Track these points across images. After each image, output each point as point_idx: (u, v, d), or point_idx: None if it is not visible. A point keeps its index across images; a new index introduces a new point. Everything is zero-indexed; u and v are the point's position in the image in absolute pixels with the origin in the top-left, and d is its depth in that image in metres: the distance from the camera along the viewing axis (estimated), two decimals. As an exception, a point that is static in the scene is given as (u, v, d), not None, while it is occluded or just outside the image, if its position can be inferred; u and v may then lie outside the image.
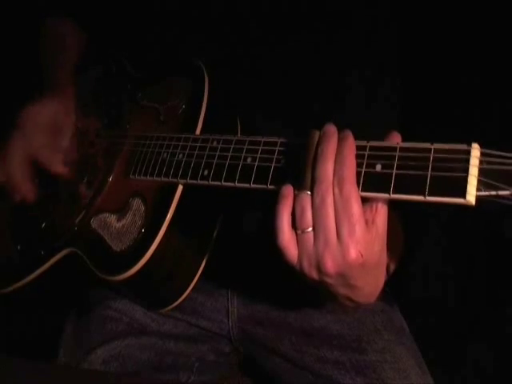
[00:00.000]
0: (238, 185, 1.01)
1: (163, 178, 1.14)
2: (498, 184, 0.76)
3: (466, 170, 0.78)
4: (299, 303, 1.36)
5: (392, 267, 1.13)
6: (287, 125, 1.28)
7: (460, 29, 1.50)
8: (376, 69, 1.31)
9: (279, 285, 1.34)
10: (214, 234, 1.21)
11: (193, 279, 1.19)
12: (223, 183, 1.03)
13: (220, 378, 1.44)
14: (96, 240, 1.22)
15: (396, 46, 1.33)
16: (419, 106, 1.44)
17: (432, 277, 1.64)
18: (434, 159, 0.81)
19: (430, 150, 0.82)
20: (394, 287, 1.41)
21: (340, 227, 0.85)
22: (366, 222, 0.86)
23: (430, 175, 0.81)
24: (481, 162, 0.78)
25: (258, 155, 1.00)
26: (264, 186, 0.97)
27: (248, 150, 1.02)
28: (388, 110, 1.32)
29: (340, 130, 0.90)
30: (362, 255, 0.85)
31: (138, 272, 1.11)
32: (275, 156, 0.98)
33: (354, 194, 0.84)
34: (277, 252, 0.90)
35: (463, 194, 0.77)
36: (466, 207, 0.79)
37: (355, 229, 0.84)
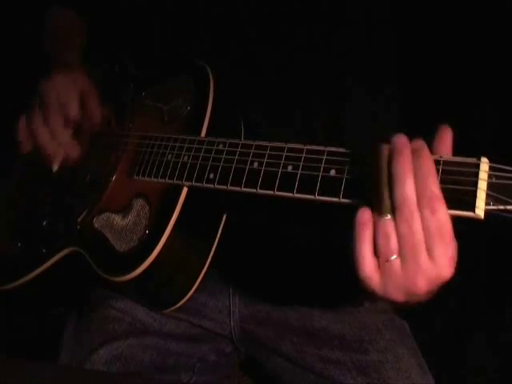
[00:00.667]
0: (244, 189, 1.00)
1: (168, 180, 1.13)
2: (506, 199, 0.76)
3: (475, 184, 0.78)
4: (301, 303, 1.37)
5: None
6: (288, 124, 1.28)
7: (460, 30, 1.50)
8: (376, 69, 1.31)
9: (281, 285, 1.35)
10: (218, 236, 1.20)
11: (196, 280, 1.19)
12: (229, 187, 1.03)
13: (221, 378, 1.45)
14: (99, 239, 1.22)
15: (396, 46, 1.33)
16: (419, 106, 1.44)
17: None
18: (443, 171, 0.81)
19: (440, 162, 0.82)
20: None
21: (433, 248, 0.79)
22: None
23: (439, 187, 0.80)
24: (490, 176, 0.78)
25: (265, 160, 0.99)
26: (271, 192, 0.97)
27: (254, 155, 1.01)
28: (388, 109, 1.32)
29: (411, 139, 0.83)
30: (454, 269, 0.81)
31: (142, 273, 1.11)
32: (282, 161, 0.97)
33: (445, 213, 0.79)
34: (352, 279, 0.85)
35: (472, 208, 0.78)
36: (475, 220, 0.79)
37: (451, 247, 0.80)
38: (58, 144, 1.27)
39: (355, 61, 1.30)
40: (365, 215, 0.82)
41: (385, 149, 0.82)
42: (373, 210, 0.82)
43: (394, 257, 0.81)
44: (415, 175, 0.79)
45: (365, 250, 0.82)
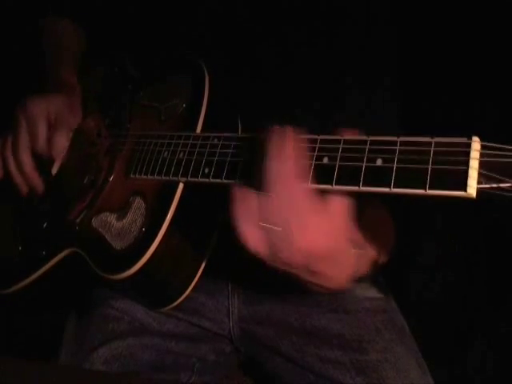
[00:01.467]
0: (238, 182, 1.01)
1: (164, 177, 1.14)
2: (498, 176, 0.76)
3: (467, 163, 0.78)
4: (300, 303, 1.37)
5: (380, 258, 1.13)
6: (287, 123, 1.28)
7: (459, 27, 1.50)
8: (375, 68, 1.32)
9: (280, 284, 1.34)
10: (215, 233, 1.21)
11: (194, 278, 1.19)
12: (224, 181, 1.03)
13: (220, 378, 1.44)
14: (97, 239, 1.22)
15: (395, 44, 1.34)
16: (419, 104, 1.44)
17: (432, 277, 1.64)
18: (435, 153, 0.81)
19: (431, 143, 0.82)
20: (394, 287, 1.41)
21: (290, 221, 0.87)
22: (320, 210, 0.89)
23: (431, 169, 0.80)
24: (481, 155, 0.78)
25: None
26: None
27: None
28: (388, 110, 1.33)
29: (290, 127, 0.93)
30: (314, 244, 0.88)
31: (139, 271, 1.11)
32: None
33: (299, 190, 0.88)
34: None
35: (464, 187, 0.77)
36: (468, 200, 0.79)
37: (305, 221, 0.87)
38: (23, 175, 1.33)
39: (355, 60, 1.31)
40: (239, 190, 0.92)
41: (263, 135, 0.92)
42: (248, 187, 0.91)
43: (265, 225, 0.89)
44: (280, 156, 0.88)
45: (239, 218, 0.91)
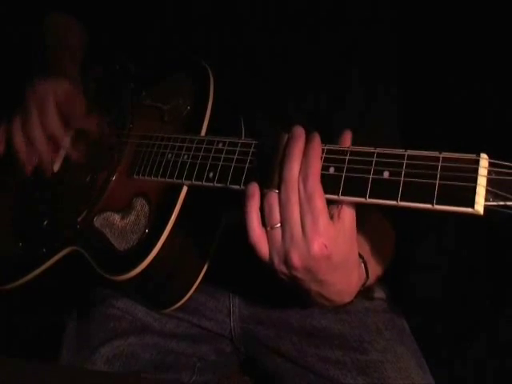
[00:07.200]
0: (243, 188, 1.00)
1: (168, 179, 1.13)
2: (506, 194, 0.76)
3: (475, 180, 0.78)
4: (300, 303, 1.36)
5: (379, 268, 1.13)
6: (288, 125, 1.28)
7: (460, 29, 1.50)
8: (376, 68, 1.31)
9: (281, 285, 1.34)
10: (217, 235, 1.20)
11: (196, 280, 1.19)
12: (229, 186, 1.03)
13: (221, 378, 1.45)
14: (99, 239, 1.22)
15: (396, 44, 1.33)
16: (419, 106, 1.44)
17: (432, 277, 1.64)
18: (442, 168, 0.81)
19: (439, 158, 0.82)
20: (394, 287, 1.42)
21: (304, 221, 0.88)
22: (331, 217, 0.89)
23: (438, 184, 0.80)
24: (489, 172, 0.78)
25: None
26: None
27: (254, 153, 1.02)
28: (388, 110, 1.32)
29: (308, 132, 0.92)
30: (326, 247, 0.87)
31: (142, 272, 1.11)
32: None
33: (317, 189, 0.87)
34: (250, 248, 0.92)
35: (471, 204, 0.77)
36: (474, 216, 0.79)
37: (318, 222, 0.87)
38: (32, 151, 1.31)
39: (355, 60, 1.30)
40: (253, 188, 0.92)
41: (284, 136, 0.93)
42: (264, 185, 0.91)
43: (277, 225, 0.89)
44: (302, 158, 0.89)
45: (252, 218, 0.90)
